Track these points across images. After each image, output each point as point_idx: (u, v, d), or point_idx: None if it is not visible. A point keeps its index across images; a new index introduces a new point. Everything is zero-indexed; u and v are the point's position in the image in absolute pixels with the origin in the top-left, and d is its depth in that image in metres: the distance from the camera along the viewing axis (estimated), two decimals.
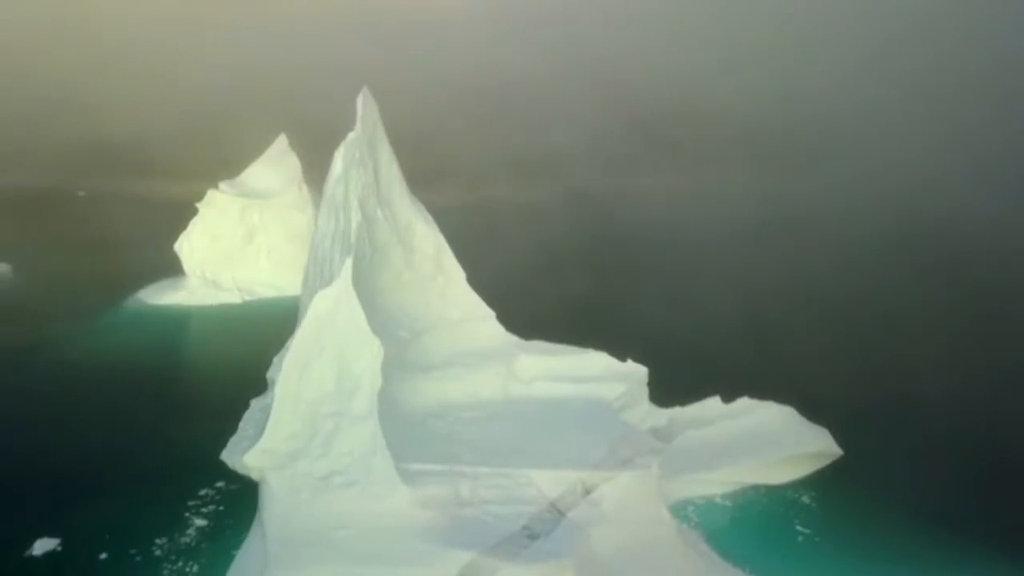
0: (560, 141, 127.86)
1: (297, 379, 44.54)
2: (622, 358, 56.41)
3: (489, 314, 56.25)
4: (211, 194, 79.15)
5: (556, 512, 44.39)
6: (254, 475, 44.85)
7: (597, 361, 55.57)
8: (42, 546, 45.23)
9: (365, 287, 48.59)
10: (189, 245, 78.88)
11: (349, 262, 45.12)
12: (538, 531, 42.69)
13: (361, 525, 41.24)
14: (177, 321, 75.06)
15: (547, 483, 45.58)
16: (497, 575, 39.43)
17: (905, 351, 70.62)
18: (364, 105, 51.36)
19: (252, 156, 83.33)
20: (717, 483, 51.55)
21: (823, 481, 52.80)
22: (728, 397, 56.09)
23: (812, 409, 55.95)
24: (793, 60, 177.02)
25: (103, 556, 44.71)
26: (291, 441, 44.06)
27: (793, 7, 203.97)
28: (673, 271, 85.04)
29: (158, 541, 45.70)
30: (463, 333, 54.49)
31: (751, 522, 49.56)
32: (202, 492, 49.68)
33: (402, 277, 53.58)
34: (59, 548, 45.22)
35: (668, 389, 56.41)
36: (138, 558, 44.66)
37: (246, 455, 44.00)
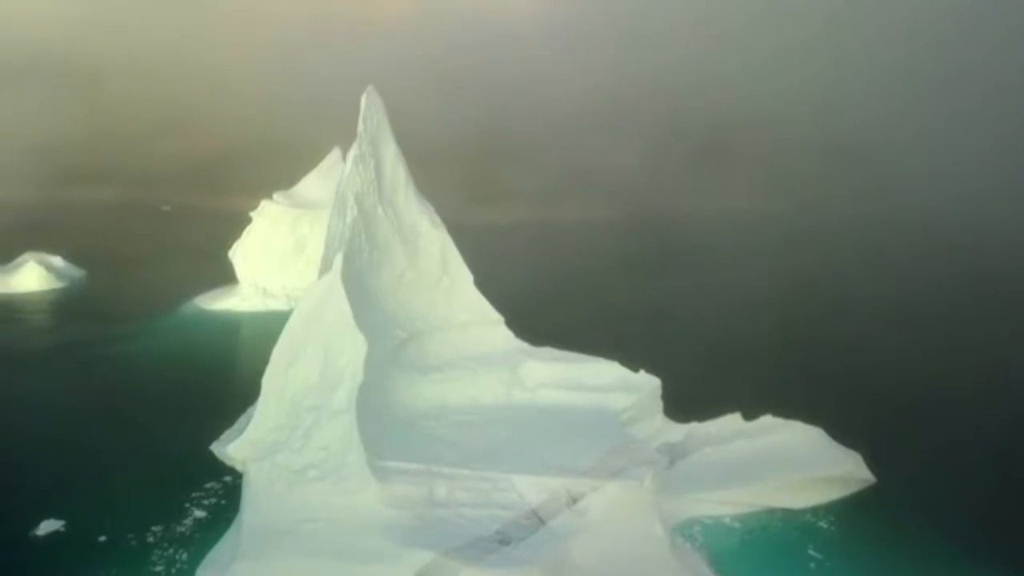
0: (623, 157, 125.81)
1: (283, 372, 44.76)
2: (641, 370, 54.07)
3: (497, 319, 54.73)
4: (264, 204, 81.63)
5: (536, 519, 42.52)
6: (238, 466, 45.13)
7: (607, 370, 53.36)
8: (46, 527, 46.83)
9: (362, 284, 48.48)
10: (242, 253, 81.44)
11: (339, 257, 45.16)
12: (511, 537, 40.96)
13: (329, 519, 40.64)
14: (225, 325, 77.44)
15: (530, 489, 43.70)
16: None
17: (953, 373, 65.45)
18: (368, 103, 51.53)
19: (308, 168, 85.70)
20: (729, 503, 48.44)
21: (846, 507, 49.03)
22: (752, 415, 53.00)
23: (846, 432, 52.42)
24: (871, 72, 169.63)
25: (101, 539, 45.77)
26: (274, 433, 44.09)
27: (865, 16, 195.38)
28: (710, 283, 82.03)
29: (154, 528, 46.43)
30: (468, 336, 53.21)
31: (760, 545, 46.26)
32: (208, 484, 50.31)
33: (404, 277, 52.74)
34: (62, 529, 46.71)
35: (688, 404, 53.78)
36: (133, 543, 45.48)
37: (230, 446, 44.37)
